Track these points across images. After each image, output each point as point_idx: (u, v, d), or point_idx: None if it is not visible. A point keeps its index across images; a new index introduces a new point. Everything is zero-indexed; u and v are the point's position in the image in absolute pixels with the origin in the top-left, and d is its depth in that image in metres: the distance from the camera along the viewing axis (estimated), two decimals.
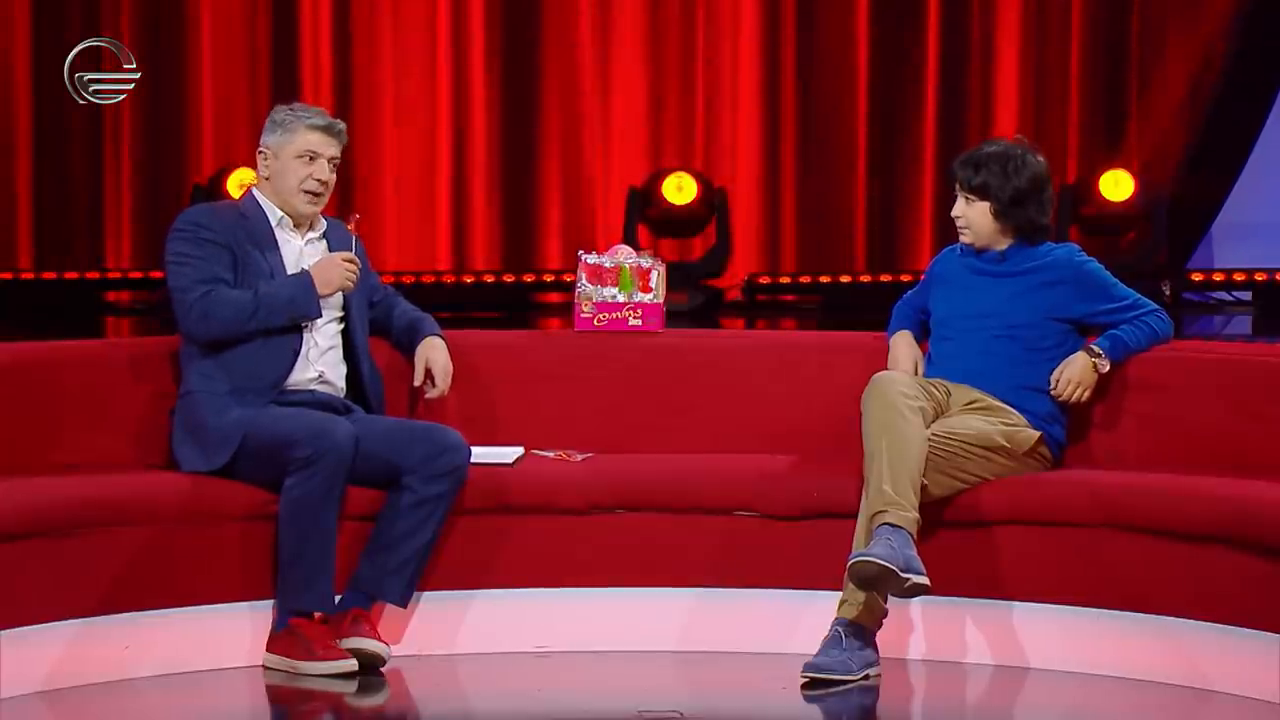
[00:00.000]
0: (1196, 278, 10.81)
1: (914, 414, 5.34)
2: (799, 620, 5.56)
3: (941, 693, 5.41)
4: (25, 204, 10.93)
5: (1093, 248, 10.48)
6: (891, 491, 5.23)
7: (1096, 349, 5.58)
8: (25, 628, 5.08)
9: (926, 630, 5.54)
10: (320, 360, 5.58)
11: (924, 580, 5.17)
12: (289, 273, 5.55)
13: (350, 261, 5.52)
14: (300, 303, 5.50)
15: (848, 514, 5.48)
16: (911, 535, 5.22)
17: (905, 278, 11.02)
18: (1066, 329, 5.66)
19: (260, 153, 5.60)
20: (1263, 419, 5.52)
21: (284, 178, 5.56)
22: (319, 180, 5.56)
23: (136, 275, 10.95)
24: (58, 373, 5.55)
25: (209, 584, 5.37)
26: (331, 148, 5.59)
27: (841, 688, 5.22)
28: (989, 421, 5.52)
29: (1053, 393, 5.57)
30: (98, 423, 5.55)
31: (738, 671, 5.52)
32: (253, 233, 5.54)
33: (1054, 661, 5.44)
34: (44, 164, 10.93)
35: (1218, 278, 10.80)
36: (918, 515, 5.25)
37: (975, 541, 5.48)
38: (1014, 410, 5.56)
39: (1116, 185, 10.41)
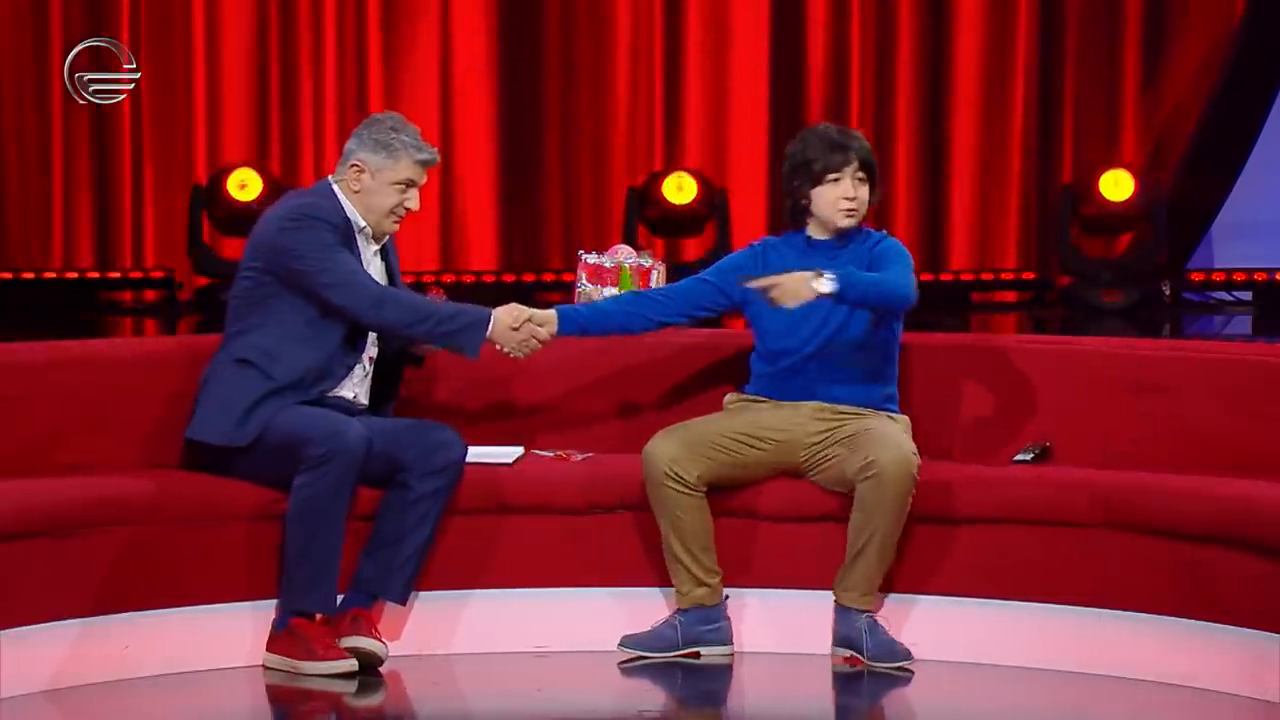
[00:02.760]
0: (1196, 278, 10.78)
1: (681, 492, 5.45)
2: (797, 619, 5.57)
3: (941, 692, 5.41)
4: (24, 204, 10.91)
5: (1093, 248, 10.61)
6: (682, 571, 5.50)
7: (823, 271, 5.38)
8: (25, 628, 5.08)
9: (927, 630, 5.54)
10: (362, 382, 5.58)
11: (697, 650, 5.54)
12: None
13: (540, 343, 5.59)
14: (465, 339, 5.50)
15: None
16: (700, 608, 5.50)
17: None
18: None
19: (354, 165, 5.54)
20: (1263, 419, 5.53)
21: (375, 198, 5.55)
22: (409, 209, 5.57)
23: (136, 275, 10.94)
24: (58, 373, 5.55)
25: (209, 584, 5.37)
26: (424, 177, 5.60)
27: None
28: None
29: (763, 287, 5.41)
30: (99, 423, 5.55)
31: (737, 670, 5.52)
32: (346, 233, 5.55)
33: (1054, 661, 5.44)
34: (44, 164, 10.91)
35: (1218, 278, 10.78)
36: (707, 587, 5.50)
37: (975, 541, 5.49)
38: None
39: (1116, 185, 10.39)
